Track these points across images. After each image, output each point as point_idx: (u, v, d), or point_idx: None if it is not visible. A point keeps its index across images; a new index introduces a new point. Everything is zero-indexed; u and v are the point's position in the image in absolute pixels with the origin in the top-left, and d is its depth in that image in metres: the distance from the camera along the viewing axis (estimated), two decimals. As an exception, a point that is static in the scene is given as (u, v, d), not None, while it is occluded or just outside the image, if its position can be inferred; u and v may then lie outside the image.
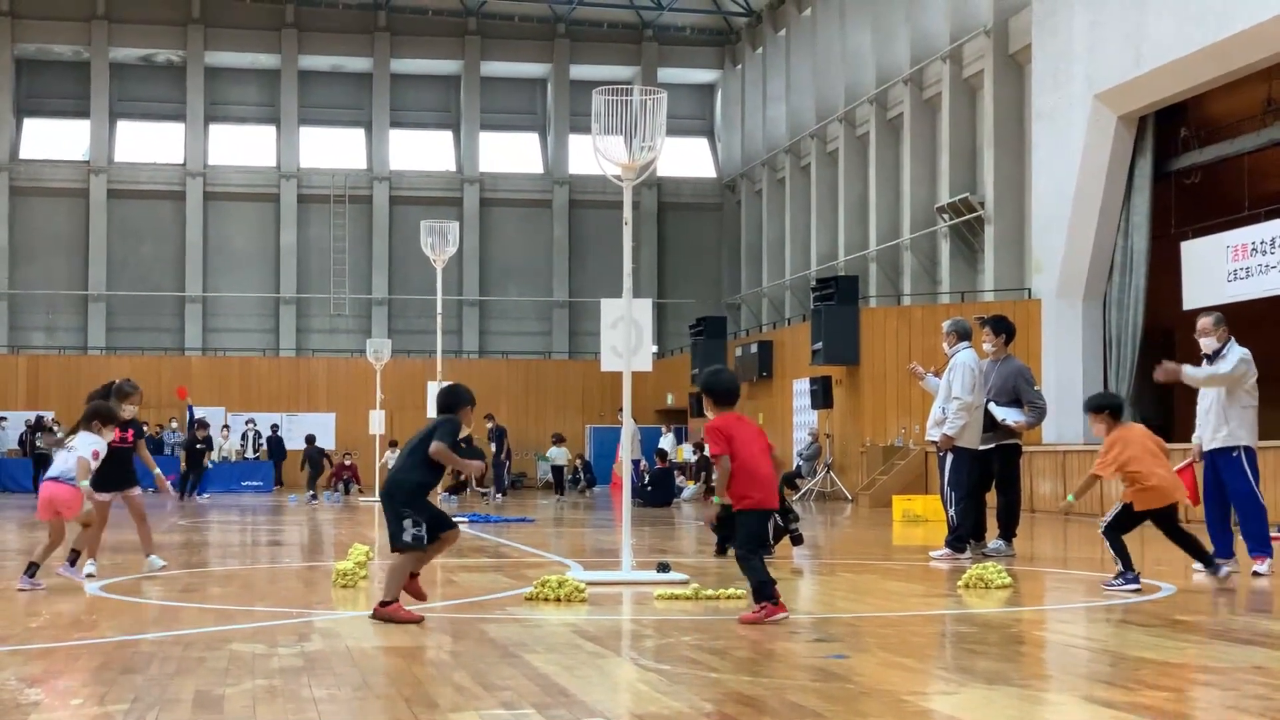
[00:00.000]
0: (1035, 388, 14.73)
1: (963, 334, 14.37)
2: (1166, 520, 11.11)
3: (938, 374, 14.54)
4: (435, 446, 8.78)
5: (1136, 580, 10.62)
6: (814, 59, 39.98)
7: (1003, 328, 14.84)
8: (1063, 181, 27.24)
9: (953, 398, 14.01)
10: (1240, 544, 12.32)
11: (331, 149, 46.32)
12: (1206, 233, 25.02)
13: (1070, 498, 11.58)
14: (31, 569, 10.64)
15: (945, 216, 32.44)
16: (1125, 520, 11.01)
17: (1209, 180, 25.94)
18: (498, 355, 45.01)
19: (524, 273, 46.50)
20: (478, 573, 12.15)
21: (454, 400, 9.22)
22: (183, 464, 33.56)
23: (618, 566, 11.44)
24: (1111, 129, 26.01)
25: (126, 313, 44.44)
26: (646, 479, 31.90)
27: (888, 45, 35.65)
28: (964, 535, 13.96)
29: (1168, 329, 26.45)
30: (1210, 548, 11.56)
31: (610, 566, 12.15)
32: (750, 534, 8.66)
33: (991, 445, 14.32)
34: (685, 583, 10.56)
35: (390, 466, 10.30)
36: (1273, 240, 22.94)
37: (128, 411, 11.91)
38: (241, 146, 45.95)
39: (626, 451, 12.72)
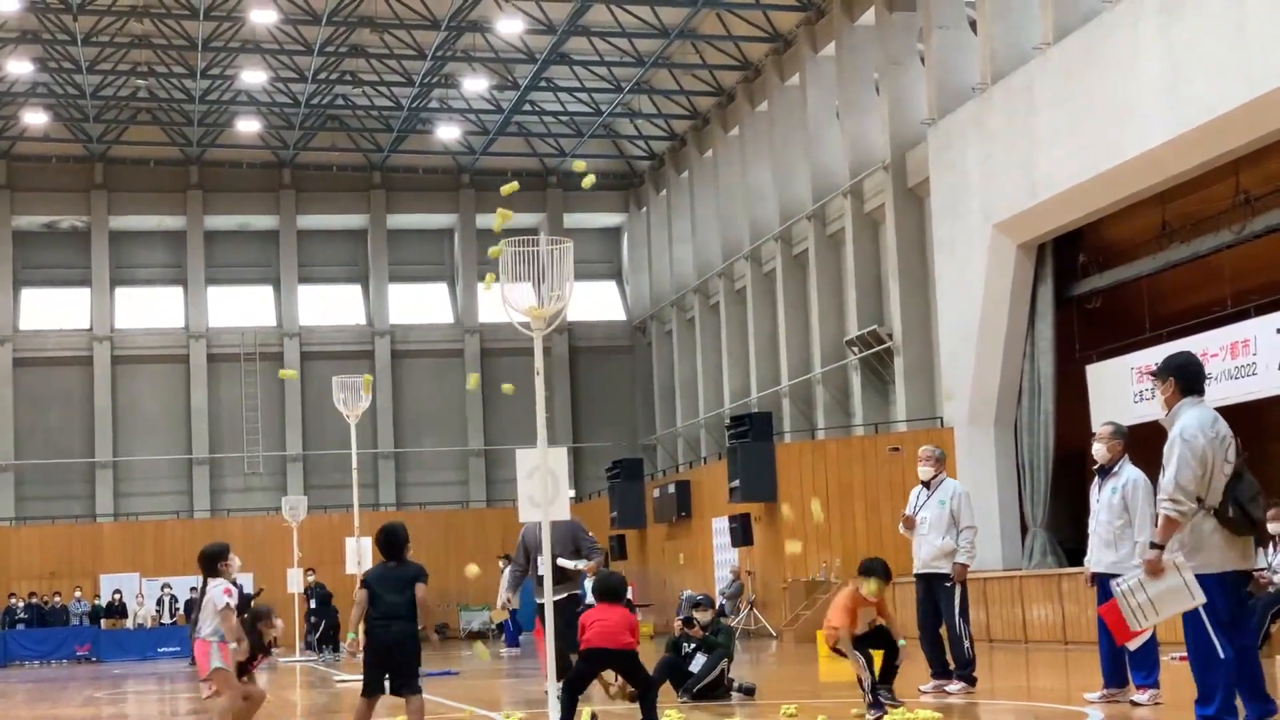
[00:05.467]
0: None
1: (944, 460, 14.53)
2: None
3: (910, 520, 14.36)
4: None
5: None
6: (717, 198, 40.46)
7: None
8: (967, 310, 27.61)
9: (966, 527, 14.06)
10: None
11: (240, 307, 46.14)
12: (1110, 356, 25.39)
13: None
14: None
15: (855, 349, 32.74)
16: None
17: (1110, 304, 26.36)
18: (415, 507, 44.67)
19: (438, 423, 46.33)
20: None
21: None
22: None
23: (545, 718, 11.31)
24: (1011, 258, 26.43)
25: (35, 482, 43.78)
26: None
27: (789, 182, 36.15)
28: (973, 665, 14.10)
29: (1079, 452, 26.66)
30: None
31: (539, 718, 12.00)
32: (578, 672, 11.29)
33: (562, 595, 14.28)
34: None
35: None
36: (1175, 360, 23.28)
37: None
38: (148, 309, 45.68)
39: (548, 601, 12.61)
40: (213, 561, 11.15)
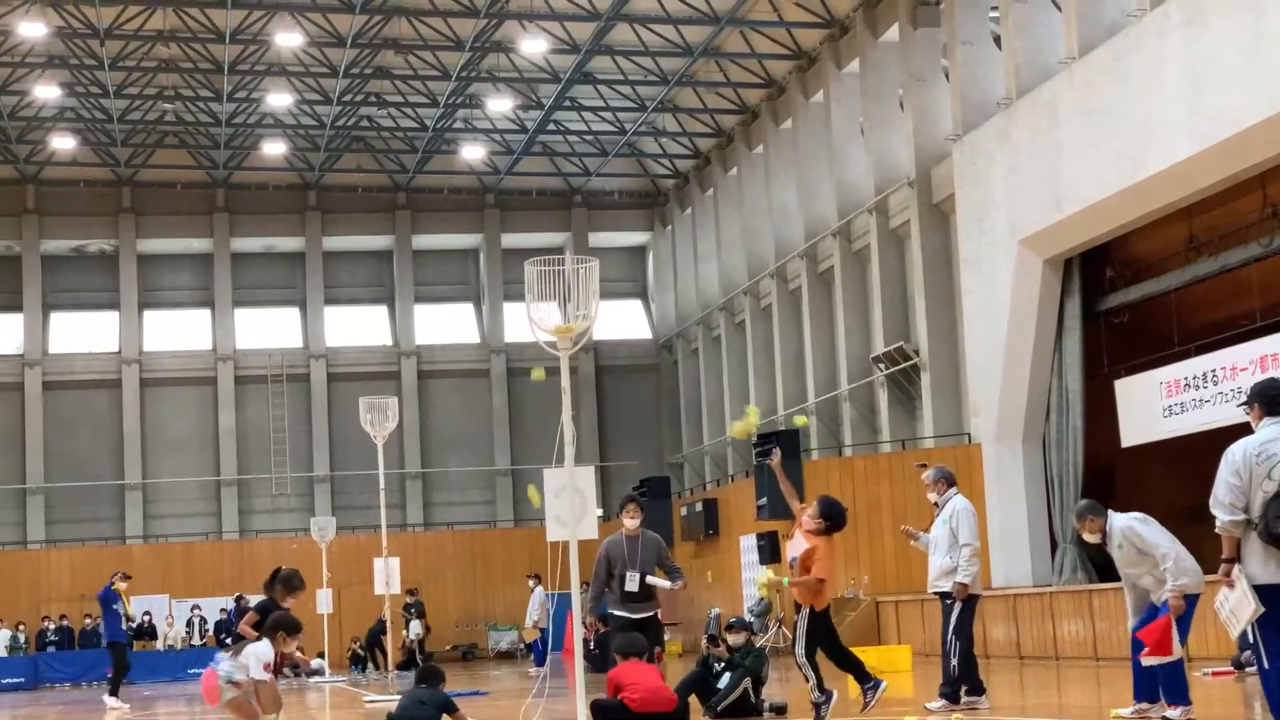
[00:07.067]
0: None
1: (951, 480, 14.48)
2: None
3: (912, 532, 14.48)
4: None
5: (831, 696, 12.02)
6: (742, 216, 40.46)
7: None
8: (994, 326, 27.53)
9: (963, 545, 14.00)
10: None
11: (267, 329, 46.28)
12: (1139, 370, 25.27)
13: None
14: None
15: (881, 366, 32.69)
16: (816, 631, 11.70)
17: (1137, 318, 26.25)
18: (443, 527, 44.72)
19: (465, 443, 46.35)
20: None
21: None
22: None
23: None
24: (1038, 272, 26.36)
25: (65, 504, 43.93)
26: (591, 644, 31.45)
27: (814, 199, 36.13)
28: (959, 685, 13.95)
29: (1108, 467, 26.62)
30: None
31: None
32: None
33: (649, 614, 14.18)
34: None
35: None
36: (1204, 375, 23.21)
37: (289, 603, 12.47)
38: (176, 331, 45.86)
39: (576, 617, 12.63)
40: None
